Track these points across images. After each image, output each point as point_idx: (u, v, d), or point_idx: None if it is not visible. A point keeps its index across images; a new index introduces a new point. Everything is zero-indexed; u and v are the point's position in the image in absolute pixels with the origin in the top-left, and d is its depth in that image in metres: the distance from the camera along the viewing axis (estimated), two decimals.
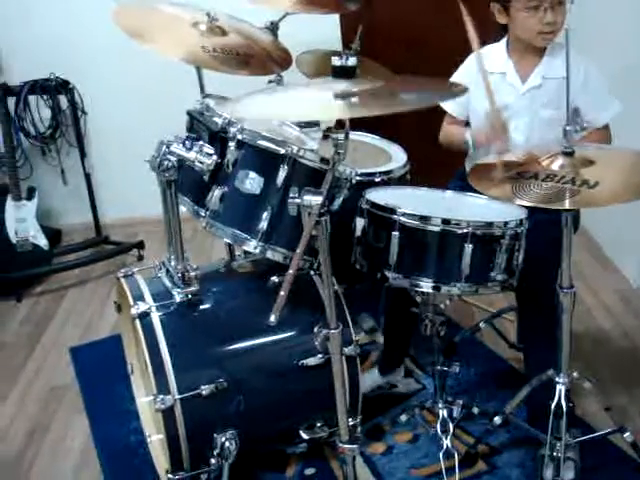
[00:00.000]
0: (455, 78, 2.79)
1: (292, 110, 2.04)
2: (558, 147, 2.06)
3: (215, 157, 2.29)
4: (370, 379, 2.89)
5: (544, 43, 2.59)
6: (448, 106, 2.79)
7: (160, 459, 2.48)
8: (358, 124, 2.85)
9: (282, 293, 1.77)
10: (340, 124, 1.90)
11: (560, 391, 2.22)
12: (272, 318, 1.75)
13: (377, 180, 2.54)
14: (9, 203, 4.16)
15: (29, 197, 4.24)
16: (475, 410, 2.63)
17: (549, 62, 2.61)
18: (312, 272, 2.37)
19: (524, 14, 2.51)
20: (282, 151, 2.24)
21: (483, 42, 2.67)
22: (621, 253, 3.86)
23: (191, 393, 2.20)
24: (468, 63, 2.78)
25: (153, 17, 2.86)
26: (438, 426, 2.47)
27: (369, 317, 3.21)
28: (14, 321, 3.82)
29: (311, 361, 2.33)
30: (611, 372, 3.00)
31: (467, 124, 2.82)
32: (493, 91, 2.39)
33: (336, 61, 1.93)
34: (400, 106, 1.91)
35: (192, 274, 2.36)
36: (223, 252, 2.96)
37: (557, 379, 2.24)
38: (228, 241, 2.43)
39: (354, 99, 1.88)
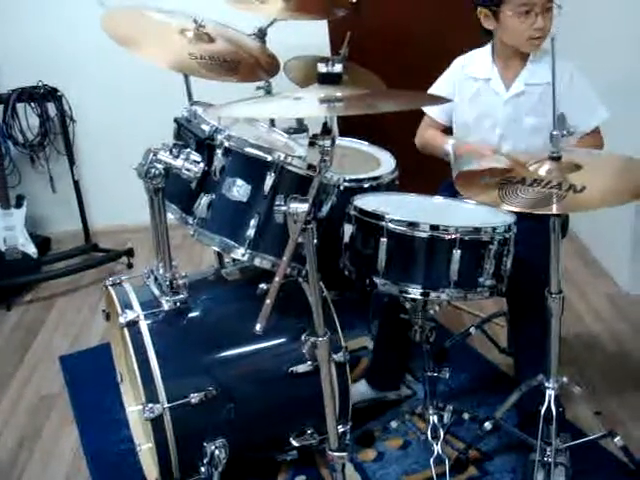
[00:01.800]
0: (440, 83, 2.79)
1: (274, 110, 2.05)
2: (545, 154, 2.06)
3: (202, 164, 2.28)
4: (358, 392, 2.84)
5: (532, 49, 2.59)
6: (431, 110, 2.79)
7: (150, 468, 2.47)
8: (347, 130, 2.86)
9: (268, 301, 1.76)
10: (327, 131, 1.90)
11: (550, 396, 2.23)
12: (258, 327, 1.75)
13: (365, 186, 2.55)
14: None
15: (18, 205, 4.22)
16: (465, 416, 2.63)
17: (532, 68, 2.62)
18: (300, 279, 2.37)
19: (514, 19, 2.51)
20: (269, 158, 2.24)
21: (468, 48, 2.69)
22: (610, 257, 3.87)
23: (180, 402, 2.20)
24: (453, 69, 2.78)
25: (141, 24, 2.86)
26: (429, 432, 2.46)
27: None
28: (3, 329, 3.80)
29: (300, 368, 2.33)
30: (601, 377, 3.00)
31: (447, 131, 2.81)
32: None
33: (322, 68, 1.93)
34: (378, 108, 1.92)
35: (180, 282, 2.35)
36: (212, 259, 2.96)
37: (547, 384, 2.24)
38: (216, 249, 2.42)
39: (339, 104, 1.89)
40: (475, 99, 2.71)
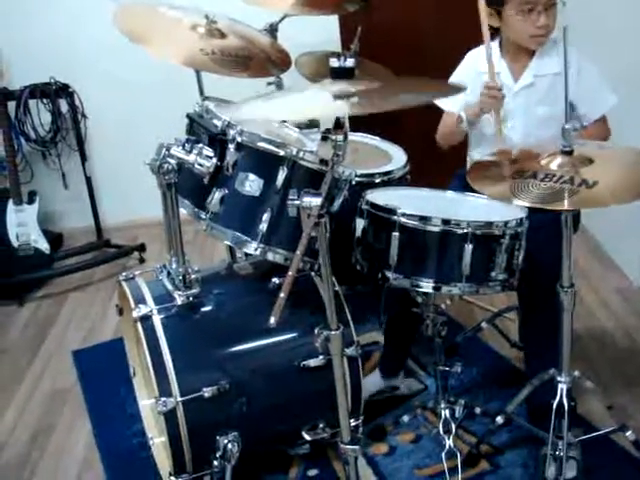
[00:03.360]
0: (454, 78, 2.79)
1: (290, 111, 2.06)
2: (555, 144, 2.06)
3: (215, 159, 2.29)
4: (371, 383, 2.87)
5: (537, 46, 2.60)
6: (446, 104, 2.78)
7: (163, 461, 2.48)
8: (358, 125, 2.86)
9: (282, 295, 1.77)
10: (339, 125, 1.90)
11: (562, 390, 2.22)
12: (272, 320, 1.75)
13: (377, 181, 2.55)
14: (10, 207, 4.18)
15: (30, 201, 4.25)
16: (477, 410, 2.63)
17: (540, 60, 2.62)
18: (312, 273, 2.37)
19: (517, 18, 2.52)
20: (281, 153, 2.25)
21: (477, 43, 2.69)
22: (622, 252, 3.86)
23: (193, 395, 2.20)
24: (466, 62, 2.78)
25: (152, 20, 2.86)
26: (440, 426, 2.47)
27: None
28: (16, 325, 3.83)
29: (312, 362, 2.34)
30: (612, 371, 3.00)
31: None
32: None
33: (334, 62, 1.93)
34: (395, 104, 1.92)
35: (193, 276, 2.36)
36: (224, 254, 2.97)
37: (559, 378, 2.24)
38: (229, 243, 2.43)
39: (353, 99, 1.89)
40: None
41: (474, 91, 2.62)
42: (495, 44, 2.70)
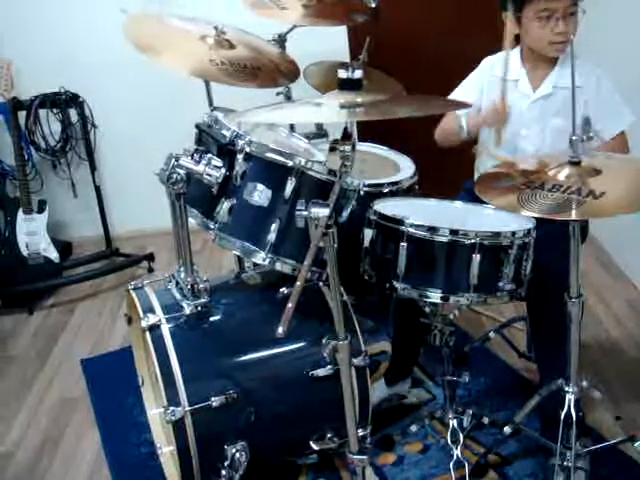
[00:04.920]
0: (467, 82, 2.79)
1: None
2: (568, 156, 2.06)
3: (223, 170, 2.30)
4: (377, 391, 2.86)
5: (556, 53, 2.59)
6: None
7: (171, 470, 2.49)
8: (366, 135, 2.87)
9: (290, 305, 1.78)
10: (347, 136, 1.91)
11: (570, 400, 2.22)
12: (280, 330, 1.76)
13: (385, 191, 2.55)
14: (20, 216, 4.19)
15: (40, 210, 4.26)
16: (485, 420, 2.63)
17: (561, 71, 2.61)
18: (321, 283, 2.38)
19: (536, 24, 2.51)
20: (290, 163, 2.25)
21: (487, 52, 2.69)
22: (631, 262, 3.85)
23: (201, 405, 2.21)
24: (481, 68, 2.78)
25: (162, 31, 2.88)
26: (448, 436, 2.47)
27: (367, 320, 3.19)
28: (25, 334, 3.84)
29: (320, 372, 2.34)
30: (621, 381, 2.99)
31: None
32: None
33: (342, 73, 1.94)
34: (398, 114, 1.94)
35: (202, 286, 2.37)
36: (232, 264, 2.97)
37: (567, 388, 2.24)
38: (237, 253, 2.44)
39: (359, 109, 1.90)
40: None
41: (490, 96, 2.64)
42: (516, 51, 2.70)
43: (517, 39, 2.68)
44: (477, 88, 2.76)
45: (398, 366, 2.98)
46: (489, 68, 2.76)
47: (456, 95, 2.79)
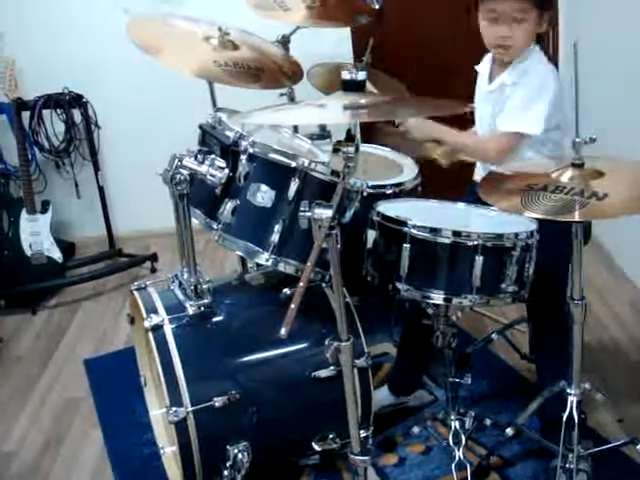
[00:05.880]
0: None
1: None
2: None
3: (227, 170, 2.30)
4: (379, 397, 2.83)
5: (499, 56, 2.56)
6: None
7: (173, 471, 2.49)
8: (370, 137, 2.87)
9: (292, 306, 1.78)
10: (350, 137, 1.91)
11: (572, 402, 2.22)
12: (283, 331, 1.76)
13: (388, 192, 2.55)
14: (23, 216, 4.20)
15: (43, 210, 4.27)
16: (487, 421, 2.62)
17: (511, 70, 2.55)
18: (323, 284, 2.38)
19: (484, 23, 2.50)
20: (293, 164, 2.26)
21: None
22: (634, 264, 3.85)
23: (204, 405, 2.21)
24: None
25: (165, 32, 2.89)
26: (450, 438, 2.47)
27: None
28: (29, 334, 3.84)
29: (323, 373, 2.34)
30: (624, 384, 2.99)
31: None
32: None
33: (345, 75, 1.95)
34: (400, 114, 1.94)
35: (205, 287, 2.38)
36: (235, 265, 2.97)
37: (569, 390, 2.24)
38: (240, 254, 2.44)
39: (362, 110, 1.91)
40: (476, 91, 2.74)
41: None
42: None
43: None
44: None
45: (406, 375, 2.96)
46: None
47: None
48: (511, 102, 2.50)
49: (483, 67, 2.70)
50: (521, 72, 2.47)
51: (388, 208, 2.34)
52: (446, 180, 2.83)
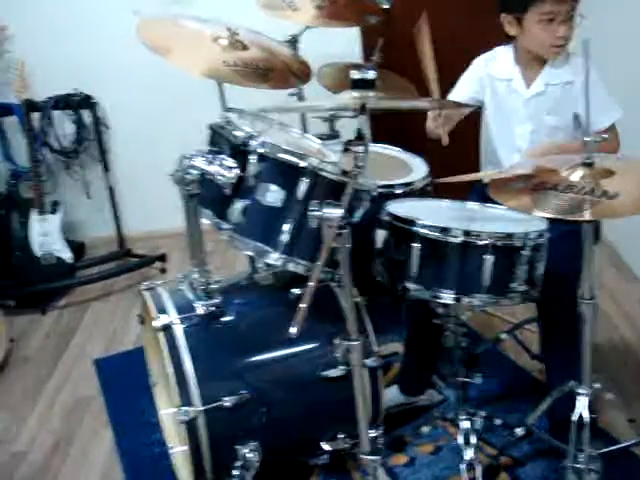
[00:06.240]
0: (463, 82, 2.81)
1: None
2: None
3: (237, 170, 2.30)
4: (389, 397, 2.83)
5: (555, 56, 2.61)
6: (457, 97, 2.80)
7: (183, 470, 2.49)
8: (380, 136, 2.87)
9: (302, 306, 1.78)
10: (360, 137, 1.91)
11: (582, 402, 2.21)
12: (293, 330, 1.76)
13: (398, 192, 2.55)
14: (34, 217, 4.21)
15: (53, 211, 4.28)
16: (497, 421, 2.63)
17: (551, 70, 2.64)
18: (333, 284, 2.38)
19: (538, 27, 2.53)
20: (303, 164, 2.25)
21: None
22: None
23: (214, 405, 2.21)
24: (476, 67, 2.79)
25: (174, 32, 2.89)
26: (460, 437, 2.47)
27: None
28: (39, 334, 3.86)
29: (332, 373, 2.34)
30: (634, 383, 2.98)
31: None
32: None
33: (355, 74, 1.95)
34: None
35: (214, 286, 2.38)
36: (244, 265, 2.97)
37: (579, 390, 2.23)
38: (250, 254, 2.44)
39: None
40: (495, 98, 2.74)
41: (489, 94, 2.66)
42: (506, 50, 2.71)
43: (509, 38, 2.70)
44: (476, 85, 2.77)
45: (415, 375, 2.96)
46: (484, 65, 2.77)
47: (455, 95, 2.80)
48: (596, 94, 2.50)
49: (506, 73, 2.71)
50: (579, 66, 2.47)
51: (398, 208, 2.34)
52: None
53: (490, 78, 2.73)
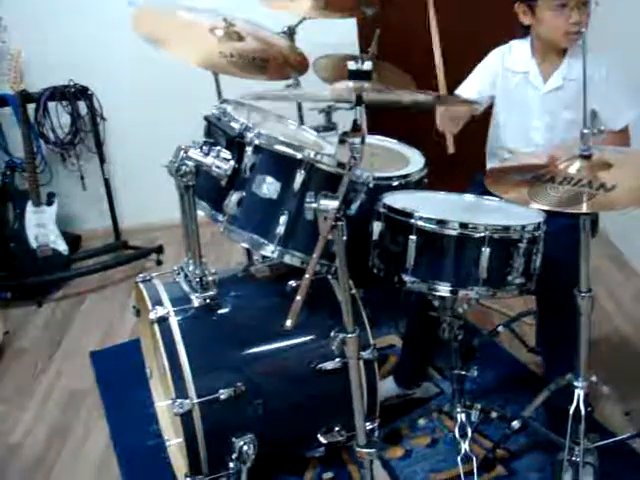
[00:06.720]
0: (478, 73, 2.78)
1: None
2: (576, 149, 2.05)
3: (232, 162, 2.29)
4: (384, 388, 2.83)
5: (569, 44, 2.58)
6: (466, 92, 2.78)
7: (179, 463, 2.49)
8: (376, 128, 2.86)
9: (298, 298, 1.77)
10: (356, 128, 1.90)
11: (579, 395, 2.21)
12: (288, 323, 1.75)
13: (394, 184, 2.54)
14: (29, 209, 4.19)
15: (49, 203, 4.27)
16: (493, 414, 2.62)
17: (570, 63, 2.61)
18: (329, 276, 2.37)
19: (550, 14, 2.51)
20: (299, 156, 2.24)
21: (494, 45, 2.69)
22: None
23: (209, 397, 2.21)
24: (492, 59, 2.77)
25: (171, 23, 2.88)
26: (456, 430, 2.46)
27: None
28: (35, 326, 3.85)
29: (328, 365, 2.34)
30: (631, 377, 2.98)
31: None
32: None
33: (352, 65, 1.94)
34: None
35: (210, 279, 2.37)
36: (240, 257, 2.96)
37: (576, 383, 2.23)
38: (246, 245, 2.43)
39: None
40: (512, 92, 2.71)
41: (501, 88, 2.65)
42: (523, 43, 2.70)
43: (527, 30, 2.67)
44: (488, 80, 2.75)
45: (411, 366, 2.96)
46: (500, 60, 2.74)
47: (465, 87, 2.78)
48: (616, 93, 2.57)
49: (522, 66, 2.69)
50: (598, 59, 2.45)
51: (394, 200, 2.33)
52: (453, 171, 2.82)
53: (505, 71, 2.71)
